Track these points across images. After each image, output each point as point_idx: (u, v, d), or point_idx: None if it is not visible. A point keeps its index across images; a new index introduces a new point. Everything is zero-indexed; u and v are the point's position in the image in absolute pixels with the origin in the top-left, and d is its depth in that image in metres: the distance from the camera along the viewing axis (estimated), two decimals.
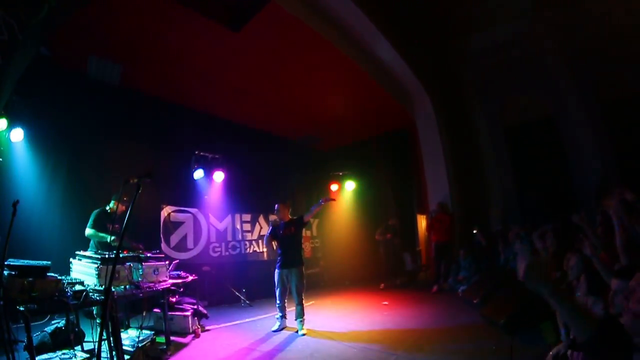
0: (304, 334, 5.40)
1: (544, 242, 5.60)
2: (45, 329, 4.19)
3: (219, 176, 8.37)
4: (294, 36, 6.60)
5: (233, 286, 7.91)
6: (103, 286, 3.82)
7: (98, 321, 4.51)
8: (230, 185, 8.82)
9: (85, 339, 4.39)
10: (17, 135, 5.25)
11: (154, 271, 4.75)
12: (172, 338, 4.93)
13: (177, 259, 6.85)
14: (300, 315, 5.59)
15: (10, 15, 3.17)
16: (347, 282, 10.49)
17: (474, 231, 8.27)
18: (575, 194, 8.27)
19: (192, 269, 6.34)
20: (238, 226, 9.32)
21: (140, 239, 5.34)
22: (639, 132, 7.51)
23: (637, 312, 1.75)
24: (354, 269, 10.89)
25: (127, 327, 5.07)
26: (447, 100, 9.88)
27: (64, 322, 4.30)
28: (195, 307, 5.78)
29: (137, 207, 2.92)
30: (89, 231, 5.25)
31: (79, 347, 4.10)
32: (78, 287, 3.65)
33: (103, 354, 3.27)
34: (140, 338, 4.36)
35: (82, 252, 4.40)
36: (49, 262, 3.57)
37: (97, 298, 3.65)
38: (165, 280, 4.92)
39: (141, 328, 4.50)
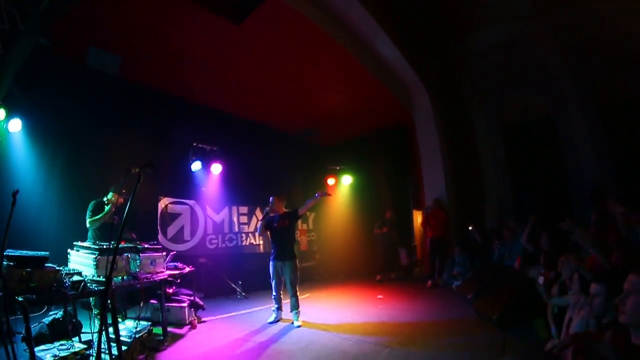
0: (299, 326, 5.46)
1: (534, 243, 5.67)
2: (43, 320, 4.21)
3: (216, 168, 8.38)
4: (294, 30, 6.57)
5: (229, 278, 7.96)
6: (101, 277, 3.85)
7: (95, 312, 4.57)
8: (227, 178, 8.83)
9: (83, 330, 4.43)
10: (15, 125, 5.22)
11: (152, 262, 4.77)
12: (168, 329, 4.97)
13: (174, 251, 6.87)
14: (295, 307, 5.65)
15: (12, 4, 3.15)
16: (343, 275, 10.55)
17: (470, 228, 8.34)
18: (571, 194, 8.34)
19: (188, 261, 6.37)
20: (235, 218, 9.36)
21: (136, 230, 5.35)
22: (635, 134, 7.57)
23: (629, 312, 1.80)
24: (350, 263, 10.97)
25: (125, 317, 5.10)
26: (446, 97, 9.91)
27: (61, 313, 4.33)
28: (192, 298, 5.83)
29: (135, 198, 2.93)
30: (88, 221, 5.27)
31: (76, 338, 4.14)
32: (76, 278, 3.67)
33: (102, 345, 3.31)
34: (138, 329, 4.39)
35: (80, 243, 4.42)
36: (47, 253, 3.60)
37: (96, 289, 3.68)
38: (162, 272, 4.94)
39: (138, 319, 4.53)
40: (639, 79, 7.57)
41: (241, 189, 9.32)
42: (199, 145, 8.15)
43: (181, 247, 7.95)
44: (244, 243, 9.42)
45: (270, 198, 5.94)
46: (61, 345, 3.71)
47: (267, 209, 5.89)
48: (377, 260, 10.20)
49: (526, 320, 4.21)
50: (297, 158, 11.13)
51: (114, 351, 3.62)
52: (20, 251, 3.42)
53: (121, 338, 3.90)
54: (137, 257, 4.51)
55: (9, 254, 3.24)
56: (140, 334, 4.33)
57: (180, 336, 5.03)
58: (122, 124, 7.08)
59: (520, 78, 9.15)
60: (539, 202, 8.24)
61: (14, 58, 3.47)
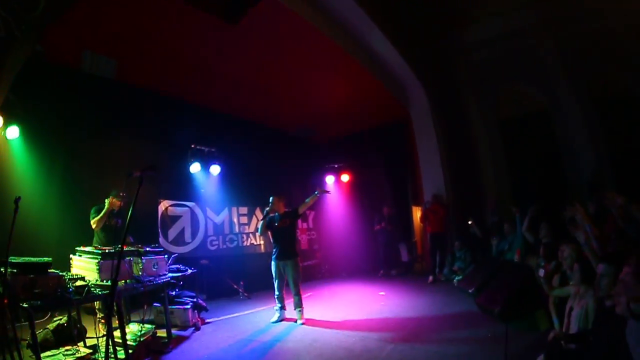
0: (302, 324, 5.50)
1: (534, 233, 5.73)
2: (47, 327, 4.23)
3: (215, 169, 8.39)
4: (289, 29, 6.57)
5: (231, 279, 7.98)
6: (104, 281, 3.87)
7: (100, 316, 4.60)
8: (226, 179, 8.84)
9: (87, 335, 4.45)
10: (13, 132, 5.23)
11: (154, 265, 4.78)
12: (173, 331, 4.98)
13: (175, 253, 6.90)
14: (298, 305, 5.67)
15: (7, 11, 3.14)
16: (344, 273, 10.58)
17: (469, 222, 8.37)
18: (569, 187, 8.38)
19: (190, 263, 6.38)
20: (235, 219, 9.36)
21: (136, 233, 5.38)
22: (632, 127, 7.61)
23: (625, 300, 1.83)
24: (351, 260, 10.99)
25: (128, 321, 5.12)
26: (442, 92, 9.91)
27: (65, 318, 4.34)
28: (195, 300, 5.84)
29: (137, 201, 2.93)
30: (92, 223, 5.34)
31: (81, 343, 4.16)
32: (80, 283, 3.69)
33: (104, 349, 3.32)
34: (142, 332, 4.41)
35: (82, 248, 4.43)
36: (50, 259, 3.61)
37: (100, 293, 3.69)
38: (164, 274, 4.96)
39: (143, 322, 4.55)
40: (634, 72, 7.60)
41: (240, 189, 9.32)
42: (197, 147, 8.15)
43: (182, 250, 7.95)
44: (244, 243, 9.43)
45: (270, 198, 5.95)
46: (66, 350, 3.73)
47: (268, 209, 5.90)
48: (378, 257, 10.27)
49: (528, 313, 4.24)
50: (295, 157, 11.13)
51: (120, 354, 3.64)
52: (22, 258, 3.43)
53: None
54: (140, 260, 4.52)
55: (12, 260, 3.25)
56: (145, 337, 4.35)
57: (185, 338, 5.04)
58: (120, 127, 7.09)
59: (515, 71, 9.17)
60: (537, 195, 8.28)
61: (10, 65, 3.46)
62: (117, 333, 3.83)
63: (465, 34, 9.50)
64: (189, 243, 8.28)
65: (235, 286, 7.86)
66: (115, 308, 3.51)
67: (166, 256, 5.31)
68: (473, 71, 9.76)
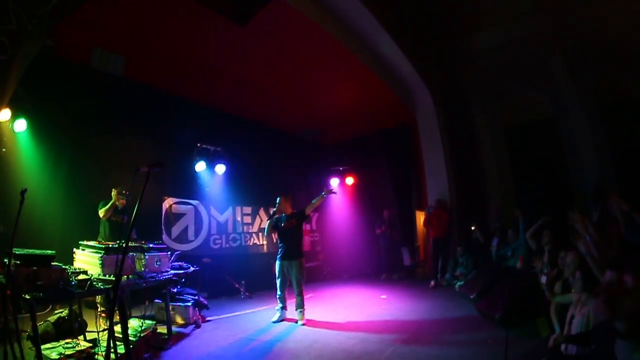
0: (303, 325, 5.49)
1: (537, 240, 5.70)
2: (48, 319, 4.25)
3: (220, 169, 8.42)
4: (297, 30, 6.61)
5: (233, 278, 7.99)
6: (107, 275, 3.89)
7: (100, 310, 4.63)
8: (231, 178, 8.87)
9: (88, 329, 4.47)
10: (21, 125, 5.28)
11: (157, 261, 4.81)
12: (173, 328, 5.00)
13: (178, 250, 6.92)
14: (300, 305, 5.67)
15: (19, 5, 3.18)
16: (346, 275, 10.57)
17: (472, 228, 8.33)
18: (573, 193, 8.34)
19: (192, 261, 6.39)
20: (239, 218, 9.38)
21: (140, 229, 5.43)
22: (637, 133, 7.56)
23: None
24: (353, 263, 10.97)
25: (129, 316, 5.14)
26: (449, 98, 9.90)
27: (66, 312, 4.36)
28: (196, 297, 5.85)
29: (142, 197, 2.95)
30: (101, 212, 5.48)
31: (81, 337, 4.17)
32: (82, 277, 3.71)
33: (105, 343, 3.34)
34: (142, 328, 4.42)
35: (85, 242, 4.46)
36: (54, 252, 3.64)
37: (102, 287, 3.71)
38: (167, 271, 4.98)
39: (143, 318, 4.57)
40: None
41: (245, 189, 9.35)
42: (203, 145, 8.19)
43: (185, 247, 7.98)
44: (247, 243, 9.45)
45: (278, 198, 5.96)
46: (66, 343, 3.75)
47: (274, 209, 5.91)
48: (380, 260, 10.26)
49: (529, 319, 4.22)
50: (300, 158, 11.17)
51: (120, 349, 3.65)
52: (26, 250, 3.46)
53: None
54: (143, 256, 4.54)
55: (16, 252, 3.27)
56: (145, 333, 4.36)
57: (185, 335, 5.05)
58: (126, 124, 7.14)
59: (522, 78, 9.14)
60: (542, 202, 8.24)
61: (21, 59, 3.50)
62: (117, 328, 3.85)
63: (473, 41, 9.49)
64: (192, 241, 8.31)
65: (236, 285, 7.87)
66: (118, 303, 3.52)
67: (169, 253, 5.34)
68: (479, 77, 9.74)
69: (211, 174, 8.52)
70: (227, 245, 9.00)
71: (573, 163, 8.54)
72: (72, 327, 4.09)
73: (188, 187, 8.37)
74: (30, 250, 3.47)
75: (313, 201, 5.99)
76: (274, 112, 9.74)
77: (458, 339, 4.65)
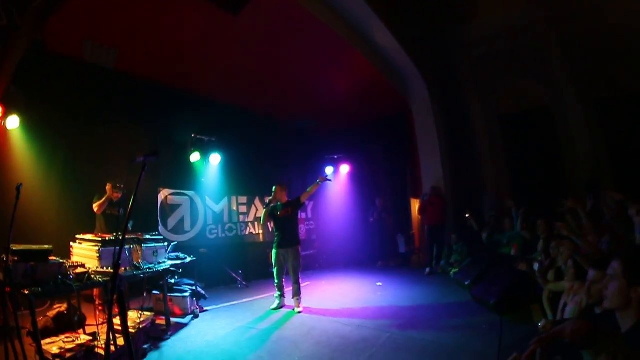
0: (300, 312, 5.57)
1: (531, 231, 5.78)
2: (47, 314, 4.28)
3: (215, 159, 8.39)
4: (291, 19, 6.54)
5: (230, 268, 8.03)
6: (105, 268, 3.91)
7: (98, 303, 4.65)
8: (226, 168, 8.84)
9: (87, 323, 4.50)
10: (13, 122, 5.22)
11: (153, 253, 4.84)
12: (172, 319, 5.05)
13: (174, 241, 6.93)
14: (297, 293, 5.74)
15: (9, 0, 3.12)
16: (342, 263, 10.65)
17: (466, 215, 8.40)
18: (567, 183, 8.42)
19: (189, 251, 6.40)
20: (234, 208, 9.39)
21: (136, 222, 5.44)
22: (631, 124, 7.62)
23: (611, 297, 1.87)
24: (349, 251, 11.04)
25: (128, 308, 5.17)
26: (443, 86, 9.88)
27: (65, 306, 4.39)
28: (194, 288, 5.89)
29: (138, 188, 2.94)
30: (95, 206, 5.46)
31: (81, 331, 4.21)
32: (80, 270, 3.73)
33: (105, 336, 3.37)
34: (141, 319, 4.46)
35: (82, 236, 4.47)
36: (51, 247, 3.64)
37: (100, 280, 3.73)
38: (164, 262, 5.01)
39: (142, 309, 4.61)
40: (635, 70, 7.58)
41: (240, 179, 9.34)
42: (198, 136, 8.13)
43: (182, 238, 7.98)
44: (243, 232, 9.47)
45: (273, 187, 5.98)
46: (66, 338, 3.78)
47: (270, 198, 5.93)
48: (375, 248, 10.37)
49: (523, 306, 4.29)
50: (295, 147, 11.14)
51: (119, 341, 3.68)
52: (24, 246, 3.46)
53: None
54: (140, 248, 4.56)
55: (13, 248, 3.28)
56: (144, 325, 4.40)
57: (183, 325, 5.11)
58: (121, 117, 7.09)
59: (517, 67, 9.14)
60: (536, 191, 8.32)
61: (12, 55, 3.45)
62: (116, 320, 3.88)
63: (468, 29, 9.45)
64: (188, 232, 8.32)
65: (233, 275, 7.92)
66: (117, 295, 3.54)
67: (166, 244, 5.36)
68: (474, 66, 9.73)
69: (206, 165, 8.49)
70: (224, 235, 9.01)
71: (568, 152, 8.61)
72: (71, 321, 4.13)
73: (183, 178, 8.34)
74: (28, 246, 3.47)
75: (308, 189, 6.01)
76: (269, 101, 9.66)
77: (453, 324, 4.74)
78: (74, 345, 3.57)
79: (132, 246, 4.49)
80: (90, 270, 3.79)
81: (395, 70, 9.23)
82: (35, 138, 5.83)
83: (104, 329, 4.04)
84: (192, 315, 5.49)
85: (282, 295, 5.91)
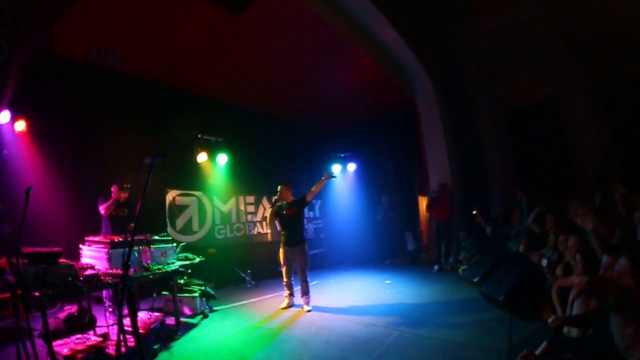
0: (309, 311, 5.57)
1: (540, 225, 5.72)
2: (58, 316, 4.32)
3: (222, 159, 8.43)
4: (294, 17, 6.54)
5: (239, 267, 8.07)
6: (114, 270, 3.95)
7: (108, 304, 4.70)
8: (233, 168, 8.88)
9: (97, 324, 4.54)
10: (20, 126, 5.29)
11: (162, 254, 4.87)
12: (181, 319, 5.08)
13: (183, 242, 6.97)
14: (305, 292, 5.74)
15: (14, 6, 3.16)
16: (350, 261, 10.65)
17: (474, 212, 8.33)
18: (576, 177, 8.32)
19: (198, 252, 6.44)
20: (242, 208, 9.42)
21: (144, 223, 5.49)
22: (638, 115, 7.51)
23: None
24: (357, 249, 11.04)
25: (138, 309, 5.22)
26: (449, 82, 9.80)
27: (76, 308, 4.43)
28: (203, 288, 5.91)
29: (146, 189, 2.95)
30: (101, 208, 5.49)
31: (92, 332, 4.25)
32: (90, 272, 3.77)
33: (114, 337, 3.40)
34: (151, 320, 4.50)
35: (91, 238, 4.51)
36: (61, 249, 3.68)
37: (110, 281, 3.77)
38: (173, 263, 5.04)
39: (152, 310, 4.64)
40: None
41: (247, 178, 9.36)
42: (204, 136, 8.18)
43: (190, 238, 8.02)
44: (252, 232, 9.50)
45: (279, 187, 5.98)
46: (77, 339, 3.82)
47: (275, 197, 5.94)
48: (383, 246, 10.36)
49: (532, 302, 4.26)
50: (301, 146, 11.15)
51: (129, 342, 3.72)
52: (34, 248, 3.51)
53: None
54: (148, 249, 4.60)
55: (24, 251, 3.32)
56: (154, 325, 4.44)
57: (193, 325, 5.12)
58: (127, 119, 7.14)
59: (523, 62, 9.03)
60: (543, 185, 8.24)
61: (18, 60, 3.49)
62: (126, 321, 3.91)
63: (473, 25, 9.35)
64: (196, 232, 8.36)
65: (242, 274, 7.96)
66: (127, 296, 3.57)
67: (174, 245, 5.40)
68: (480, 61, 9.63)
69: (213, 165, 8.53)
70: (232, 235, 9.05)
71: (575, 146, 8.50)
72: (82, 323, 4.16)
73: (190, 178, 8.38)
74: (38, 249, 3.51)
75: (313, 187, 6.01)
76: (274, 100, 9.67)
77: (462, 321, 4.71)
78: (84, 347, 3.60)
79: (141, 247, 4.52)
80: (99, 272, 3.83)
81: (400, 68, 9.19)
82: (43, 141, 5.90)
83: (114, 330, 4.08)
84: (201, 315, 5.51)
85: (291, 294, 5.92)
